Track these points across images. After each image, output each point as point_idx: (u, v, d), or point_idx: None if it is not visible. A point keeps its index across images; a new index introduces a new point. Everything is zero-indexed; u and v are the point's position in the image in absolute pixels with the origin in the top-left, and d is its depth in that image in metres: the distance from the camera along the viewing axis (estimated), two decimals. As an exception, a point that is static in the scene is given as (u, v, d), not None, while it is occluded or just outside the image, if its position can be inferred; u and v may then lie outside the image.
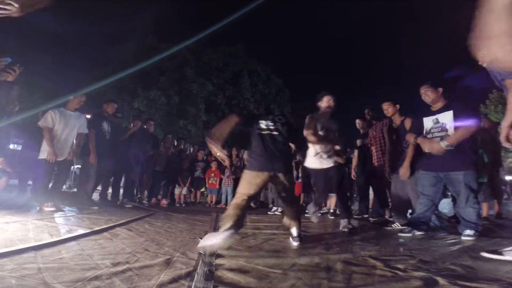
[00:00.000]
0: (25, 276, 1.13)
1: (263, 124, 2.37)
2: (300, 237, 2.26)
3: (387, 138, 3.78)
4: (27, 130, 4.20)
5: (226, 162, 3.00)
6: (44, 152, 3.71)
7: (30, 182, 4.42)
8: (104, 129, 4.54)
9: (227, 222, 1.97)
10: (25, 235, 1.89)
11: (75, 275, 1.19)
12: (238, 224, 1.99)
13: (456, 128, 2.67)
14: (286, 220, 2.42)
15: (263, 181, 2.21)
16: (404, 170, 3.12)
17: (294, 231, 2.31)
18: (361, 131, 4.65)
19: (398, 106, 3.63)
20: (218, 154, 2.23)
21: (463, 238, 2.52)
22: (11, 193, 3.52)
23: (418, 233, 2.77)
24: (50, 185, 3.89)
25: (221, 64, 17.02)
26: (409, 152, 3.10)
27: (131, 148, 5.06)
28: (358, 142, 4.60)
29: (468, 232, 2.54)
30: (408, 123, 3.29)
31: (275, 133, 2.35)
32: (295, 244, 2.21)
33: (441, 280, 1.33)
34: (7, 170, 3.53)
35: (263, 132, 2.34)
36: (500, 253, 1.75)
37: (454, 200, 3.40)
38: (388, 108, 3.67)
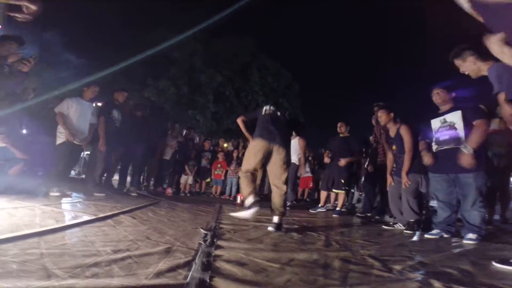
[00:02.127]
0: (27, 261, 1.17)
1: (266, 107, 2.93)
2: (278, 225, 2.56)
3: (386, 147, 3.70)
4: (37, 116, 4.31)
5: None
6: (61, 137, 3.84)
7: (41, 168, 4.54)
8: (114, 117, 4.61)
9: (249, 197, 2.57)
10: (32, 221, 1.95)
11: (76, 261, 1.23)
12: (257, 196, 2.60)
13: (467, 129, 2.62)
14: (273, 206, 2.69)
15: (264, 149, 2.63)
16: (405, 180, 3.12)
17: (275, 218, 2.61)
18: (376, 127, 4.47)
19: (392, 114, 3.48)
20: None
21: (464, 241, 2.47)
22: (21, 178, 3.62)
23: (446, 235, 2.73)
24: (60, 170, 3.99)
25: (230, 55, 16.91)
26: (406, 163, 3.13)
27: (144, 136, 5.14)
28: (371, 138, 4.52)
29: (470, 235, 2.49)
30: (404, 131, 3.21)
31: (277, 113, 2.89)
32: (270, 229, 2.51)
33: (436, 283, 1.32)
34: (21, 156, 3.65)
35: (266, 113, 2.86)
36: None
37: None
38: (381, 116, 3.53)
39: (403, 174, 3.11)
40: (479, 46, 1.99)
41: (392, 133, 3.45)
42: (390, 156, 3.58)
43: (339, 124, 4.79)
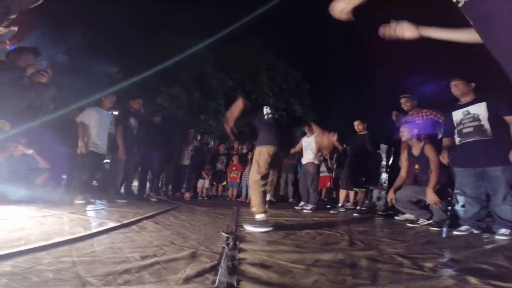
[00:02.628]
0: (61, 269, 1.20)
1: (267, 109, 2.93)
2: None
3: (403, 163, 3.53)
4: (60, 127, 4.46)
5: (232, 138, 3.48)
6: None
7: (64, 177, 4.70)
8: (131, 124, 4.72)
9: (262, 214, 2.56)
10: (61, 229, 2.01)
11: (107, 268, 1.25)
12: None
13: (493, 121, 2.52)
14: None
15: (272, 153, 2.71)
16: (433, 197, 2.98)
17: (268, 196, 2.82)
18: (397, 123, 4.34)
19: (416, 131, 3.37)
20: (228, 131, 2.89)
21: (497, 237, 2.38)
22: (47, 187, 3.77)
23: (476, 231, 2.63)
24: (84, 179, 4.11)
25: (239, 59, 16.98)
26: (433, 179, 3.00)
27: (161, 142, 5.24)
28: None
29: (503, 231, 2.39)
30: (429, 151, 3.11)
31: (277, 116, 2.92)
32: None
33: (472, 279, 1.27)
34: (45, 165, 3.80)
35: (269, 117, 2.89)
36: None
37: None
38: (403, 132, 3.44)
39: (430, 191, 2.96)
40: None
41: (415, 151, 3.35)
42: (402, 174, 3.46)
43: (356, 123, 4.70)
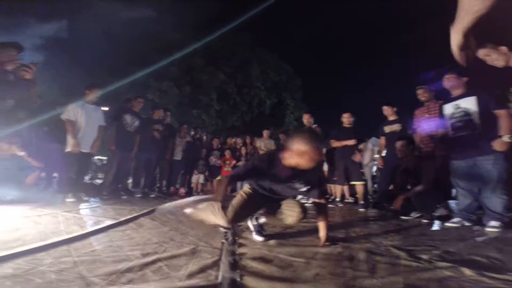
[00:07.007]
0: (63, 270, 1.19)
1: None
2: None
3: (398, 176, 3.55)
4: (49, 124, 4.33)
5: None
6: (69, 145, 3.81)
7: (55, 175, 4.61)
8: (125, 121, 4.61)
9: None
10: (57, 228, 1.98)
11: (108, 268, 1.25)
12: None
13: (483, 116, 2.61)
14: None
15: None
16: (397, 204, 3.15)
17: None
18: (389, 117, 4.36)
19: (412, 146, 3.44)
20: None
21: (487, 229, 2.43)
22: (39, 186, 3.68)
23: (467, 224, 2.68)
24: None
25: (229, 53, 16.78)
26: (415, 190, 3.13)
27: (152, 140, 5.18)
28: (387, 128, 4.37)
29: (493, 223, 2.44)
30: (426, 167, 3.14)
31: None
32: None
33: (467, 271, 1.31)
34: (36, 164, 3.70)
35: None
36: None
37: None
38: (401, 148, 3.46)
39: (400, 198, 3.15)
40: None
41: (411, 165, 3.36)
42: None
43: (346, 115, 4.67)
